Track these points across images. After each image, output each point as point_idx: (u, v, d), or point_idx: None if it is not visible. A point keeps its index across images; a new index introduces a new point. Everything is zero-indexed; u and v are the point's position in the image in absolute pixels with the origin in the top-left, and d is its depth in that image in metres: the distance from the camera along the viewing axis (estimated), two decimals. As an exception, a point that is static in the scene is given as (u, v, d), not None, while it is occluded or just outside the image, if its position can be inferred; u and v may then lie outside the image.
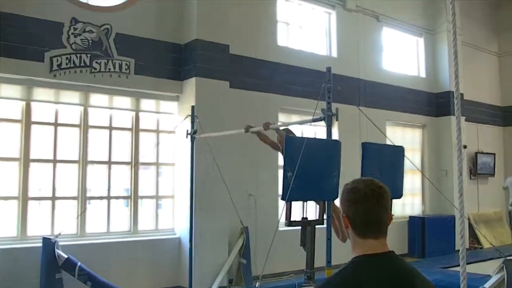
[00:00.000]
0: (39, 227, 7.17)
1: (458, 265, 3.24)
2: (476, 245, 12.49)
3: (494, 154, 14.12)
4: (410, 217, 11.82)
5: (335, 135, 9.31)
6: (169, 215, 8.42)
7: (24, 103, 7.17)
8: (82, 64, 7.40)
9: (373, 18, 11.55)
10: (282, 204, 4.64)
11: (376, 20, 11.61)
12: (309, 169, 4.16)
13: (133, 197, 8.07)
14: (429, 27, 12.84)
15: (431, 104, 12.71)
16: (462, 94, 11.82)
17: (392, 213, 5.34)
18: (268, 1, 9.65)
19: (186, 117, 7.39)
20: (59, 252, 6.53)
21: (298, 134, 6.14)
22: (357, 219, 1.84)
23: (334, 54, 10.74)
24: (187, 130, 7.30)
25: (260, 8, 9.44)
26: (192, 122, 7.25)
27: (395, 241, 10.65)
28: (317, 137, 8.77)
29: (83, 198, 7.55)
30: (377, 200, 1.83)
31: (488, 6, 14.93)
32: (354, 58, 10.92)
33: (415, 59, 12.86)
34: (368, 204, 1.82)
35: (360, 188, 1.85)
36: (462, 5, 12.55)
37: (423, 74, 12.79)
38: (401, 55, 12.50)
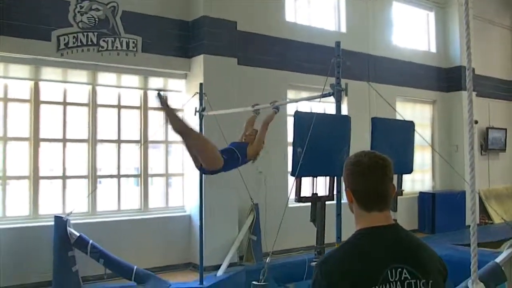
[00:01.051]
0: (50, 206, 7.24)
1: (469, 244, 3.22)
2: (487, 221, 12.46)
3: (505, 129, 13.98)
4: (420, 192, 11.79)
5: (344, 111, 9.28)
6: (179, 193, 8.46)
7: (32, 82, 7.18)
8: (89, 42, 7.37)
9: (383, -8, 11.36)
10: (292, 180, 4.62)
11: (386, -6, 11.42)
12: (319, 145, 4.14)
13: (143, 176, 8.10)
14: (439, 1, 12.61)
15: (442, 79, 12.56)
16: (473, 69, 11.65)
17: (402, 188, 5.32)
18: (276, -24, 9.50)
19: (194, 94, 7.36)
20: (71, 230, 6.59)
21: (306, 110, 6.06)
22: (362, 192, 1.83)
23: (343, 29, 10.60)
24: (196, 108, 7.27)
25: (267, -16, 9.31)
26: (201, 100, 7.21)
27: (405, 216, 10.64)
28: (326, 113, 8.72)
29: (93, 177, 7.59)
30: (381, 172, 1.81)
31: (500, -22, 14.63)
32: (363, 33, 10.77)
33: (425, 34, 12.67)
34: (373, 177, 1.80)
35: (364, 161, 1.82)
36: (473, -22, 12.31)
37: (433, 49, 12.62)
38: (411, 30, 12.32)
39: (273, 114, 5.81)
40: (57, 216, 6.68)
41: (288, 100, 8.59)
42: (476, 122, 11.88)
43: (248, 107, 6.20)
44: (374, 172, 1.81)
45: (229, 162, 5.22)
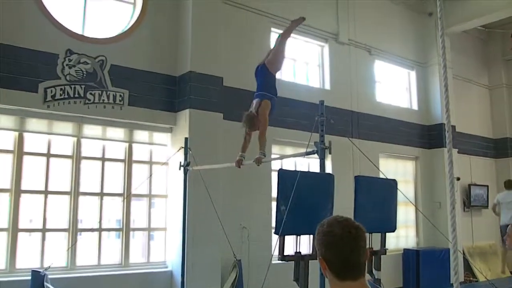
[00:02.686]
0: (28, 259, 7.06)
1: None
2: (472, 278, 12.37)
3: (487, 186, 14.15)
4: (405, 249, 11.74)
5: (328, 167, 9.34)
6: (161, 248, 8.32)
7: (16, 133, 7.15)
8: (76, 95, 7.42)
9: (365, 51, 11.70)
10: (275, 237, 4.60)
11: (368, 53, 11.76)
12: (303, 203, 4.15)
13: (125, 229, 7.97)
14: (420, 60, 13.01)
15: (424, 136, 12.79)
16: (454, 126, 11.90)
17: (386, 247, 5.30)
18: (262, 34, 9.75)
19: (180, 149, 7.39)
20: (48, 285, 6.40)
21: (291, 167, 6.13)
22: (335, 262, 1.82)
23: (327, 86, 10.83)
24: (180, 162, 7.29)
25: (253, 41, 9.54)
26: (185, 154, 7.24)
27: (389, 274, 10.53)
28: (310, 168, 8.78)
29: (74, 230, 7.46)
30: (354, 242, 1.82)
31: (478, 40, 15.20)
32: (347, 90, 11.01)
33: (407, 92, 12.99)
34: (346, 247, 1.80)
35: (336, 232, 1.83)
36: (452, 39, 12.79)
37: (415, 107, 12.90)
38: (394, 87, 12.64)
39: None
40: (34, 270, 6.50)
41: (273, 156, 8.64)
42: (458, 178, 12.02)
43: (233, 163, 6.21)
44: (347, 243, 1.80)
45: None
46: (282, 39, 6.26)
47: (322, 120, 4.69)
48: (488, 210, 13.99)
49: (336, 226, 1.84)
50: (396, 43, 12.49)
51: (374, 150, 10.57)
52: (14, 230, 6.94)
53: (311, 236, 4.51)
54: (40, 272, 6.47)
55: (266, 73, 5.92)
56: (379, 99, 11.91)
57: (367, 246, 1.90)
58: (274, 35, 10.05)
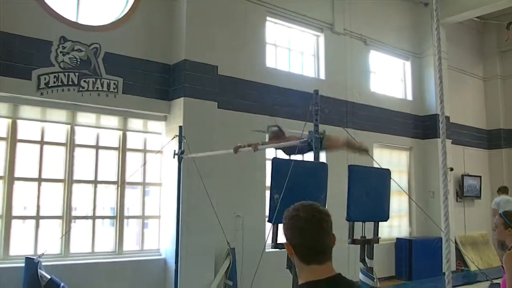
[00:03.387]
0: (22, 246, 7.06)
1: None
2: (463, 268, 12.50)
3: (480, 176, 14.25)
4: (397, 239, 11.82)
5: (322, 157, 9.36)
6: (155, 236, 8.34)
7: (10, 120, 7.12)
8: (70, 82, 7.38)
9: (361, 41, 11.69)
10: (269, 225, 4.62)
11: (364, 44, 11.76)
12: (296, 192, 4.16)
13: (119, 217, 7.98)
14: (415, 51, 13.03)
15: (418, 126, 12.83)
16: (448, 117, 11.95)
17: (379, 236, 5.33)
18: (257, 23, 9.73)
19: (174, 137, 7.39)
20: (42, 272, 6.42)
21: (285, 156, 6.14)
22: (299, 246, 1.83)
23: (322, 76, 10.83)
24: (174, 150, 7.28)
25: (249, 30, 9.52)
26: (180, 142, 7.24)
27: (382, 263, 10.63)
28: (304, 158, 8.79)
29: (68, 218, 7.46)
30: (318, 225, 1.82)
31: (473, 31, 15.22)
32: (342, 80, 11.02)
33: (401, 82, 13.01)
34: (310, 231, 1.81)
35: (300, 215, 1.84)
36: (448, 30, 12.80)
37: (410, 97, 12.93)
38: (388, 78, 12.65)
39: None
40: (28, 257, 6.51)
41: (267, 148, 8.64)
42: (452, 169, 12.10)
43: (230, 150, 6.20)
44: (311, 226, 1.81)
45: None
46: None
47: (316, 109, 4.69)
48: (481, 201, 14.13)
49: (301, 210, 1.85)
50: (391, 34, 12.49)
51: (369, 140, 10.57)
52: (7, 217, 6.94)
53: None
54: (34, 259, 6.49)
55: None
56: (374, 89, 11.93)
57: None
58: (269, 24, 10.04)
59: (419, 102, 12.95)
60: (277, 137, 6.03)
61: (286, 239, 1.87)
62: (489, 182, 14.75)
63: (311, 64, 10.89)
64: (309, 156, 5.40)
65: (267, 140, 6.28)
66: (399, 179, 11.21)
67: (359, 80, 11.49)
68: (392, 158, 12.27)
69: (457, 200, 13.53)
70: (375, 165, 6.46)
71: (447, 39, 12.60)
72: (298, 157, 5.70)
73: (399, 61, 12.94)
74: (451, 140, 12.46)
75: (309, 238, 1.81)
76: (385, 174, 5.35)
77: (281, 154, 6.05)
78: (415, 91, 12.98)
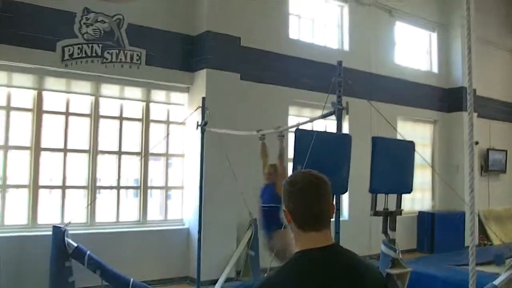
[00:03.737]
0: (49, 215, 7.24)
1: (467, 264, 3.22)
2: (486, 242, 12.41)
3: (506, 151, 14.00)
4: (420, 212, 11.77)
5: (345, 129, 9.29)
6: (178, 206, 8.46)
7: (35, 92, 7.22)
8: (94, 54, 7.42)
9: (386, 12, 11.45)
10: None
11: (389, 15, 11.52)
12: (319, 163, 4.13)
13: (143, 188, 8.10)
14: (442, 22, 12.71)
15: (443, 99, 12.61)
16: (474, 90, 11.70)
17: (402, 208, 5.30)
18: (280, -7, 9.60)
19: (197, 108, 7.39)
20: (69, 240, 6.56)
21: (308, 127, 6.15)
22: (296, 211, 1.81)
23: (346, 47, 10.68)
24: (197, 122, 7.30)
25: (271, 1, 9.40)
26: (203, 114, 7.24)
27: (404, 236, 10.59)
28: (327, 130, 8.73)
29: (93, 188, 7.60)
30: (315, 191, 1.80)
31: (502, 2, 14.75)
32: (366, 52, 10.85)
33: (427, 54, 12.75)
34: (307, 196, 1.79)
35: (298, 180, 1.82)
36: (476, 0, 12.41)
37: (435, 69, 12.68)
38: (414, 49, 12.40)
39: (281, 143, 5.96)
40: (55, 226, 6.66)
41: (289, 116, 8.63)
42: (477, 143, 11.90)
43: (253, 132, 6.20)
44: (308, 192, 1.79)
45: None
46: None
47: (339, 81, 4.63)
48: (506, 175, 13.91)
49: (299, 176, 1.84)
50: (417, 4, 12.19)
51: (392, 113, 10.45)
52: (35, 187, 7.10)
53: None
54: (61, 227, 6.62)
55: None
56: (398, 61, 11.72)
57: (332, 200, 1.88)
58: (293, -6, 9.88)
59: (445, 75, 12.70)
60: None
61: (285, 206, 1.85)
62: (516, 156, 14.50)
63: (334, 36, 10.73)
64: (332, 128, 5.37)
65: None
66: (423, 153, 11.06)
67: (383, 52, 11.29)
68: (416, 131, 12.10)
69: (481, 174, 13.34)
70: (399, 138, 6.39)
71: (475, 9, 12.23)
72: (320, 128, 5.70)
73: (425, 33, 12.65)
74: (477, 113, 12.21)
75: (306, 204, 1.79)
76: (409, 147, 5.29)
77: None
78: (441, 63, 12.71)
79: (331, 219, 1.92)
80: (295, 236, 1.84)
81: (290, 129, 7.35)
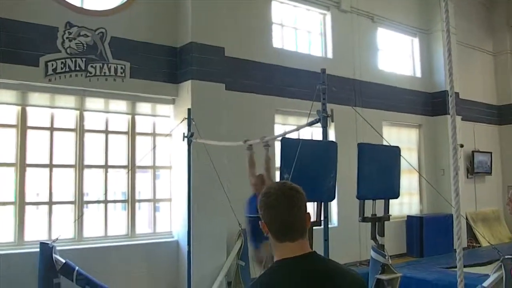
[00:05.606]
0: (36, 232, 7.15)
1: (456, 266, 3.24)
2: (475, 244, 12.50)
3: (490, 152, 14.15)
4: (408, 216, 11.83)
5: (331, 136, 9.35)
6: (167, 219, 8.41)
7: (19, 108, 7.16)
8: (77, 68, 7.39)
9: (368, 19, 11.57)
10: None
11: (371, 21, 11.64)
12: (306, 171, 4.16)
13: (130, 201, 8.05)
14: (423, 27, 12.87)
15: (427, 103, 12.74)
16: (457, 93, 11.84)
17: (390, 213, 5.33)
18: (263, 3, 9.66)
19: (183, 120, 7.40)
20: (56, 257, 6.50)
21: (294, 136, 6.15)
22: (272, 223, 1.84)
23: (330, 55, 10.76)
24: (184, 133, 7.30)
25: (254, 10, 9.46)
26: (189, 125, 7.25)
27: (393, 241, 10.64)
28: (313, 138, 8.78)
29: (80, 203, 7.53)
30: (288, 202, 1.82)
31: (482, 6, 14.99)
32: (349, 58, 10.94)
33: (410, 59, 12.89)
34: (280, 208, 1.82)
35: (272, 192, 1.85)
36: (456, 5, 12.59)
37: (418, 74, 12.82)
38: (397, 55, 12.53)
39: (267, 153, 5.95)
40: (43, 242, 6.60)
41: (275, 125, 8.65)
42: (462, 145, 12.02)
43: (239, 142, 6.21)
44: (281, 203, 1.82)
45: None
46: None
47: (323, 88, 4.67)
48: (492, 177, 14.05)
49: (274, 187, 1.87)
50: (399, 10, 12.34)
51: (377, 119, 10.54)
52: (21, 203, 7.02)
53: (315, 203, 4.55)
54: (48, 244, 6.56)
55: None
56: (382, 67, 11.83)
57: (307, 210, 1.90)
58: (275, 3, 9.95)
59: (428, 79, 12.84)
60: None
61: (261, 217, 1.88)
62: (500, 158, 14.66)
63: (318, 43, 10.81)
64: (318, 135, 5.39)
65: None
66: (409, 157, 11.16)
67: (367, 58, 11.39)
68: (401, 136, 12.21)
69: (467, 177, 13.46)
70: (384, 143, 6.44)
71: (455, 14, 12.40)
72: (307, 135, 5.71)
73: (407, 38, 12.80)
74: (461, 117, 12.34)
75: (280, 215, 1.82)
76: (394, 152, 5.34)
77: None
78: (424, 67, 12.86)
79: (313, 227, 1.94)
80: (272, 246, 1.88)
81: (277, 139, 7.38)
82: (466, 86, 13.04)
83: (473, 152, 13.58)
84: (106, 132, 7.94)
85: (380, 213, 5.17)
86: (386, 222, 5.28)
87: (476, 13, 14.70)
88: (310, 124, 4.77)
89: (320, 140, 4.86)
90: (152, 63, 8.15)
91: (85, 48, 7.48)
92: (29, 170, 7.17)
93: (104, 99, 7.90)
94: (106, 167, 7.88)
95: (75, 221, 7.36)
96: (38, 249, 6.53)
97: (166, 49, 8.32)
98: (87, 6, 7.74)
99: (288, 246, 1.82)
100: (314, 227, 4.82)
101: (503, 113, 14.88)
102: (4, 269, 6.50)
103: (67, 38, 7.32)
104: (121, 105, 8.10)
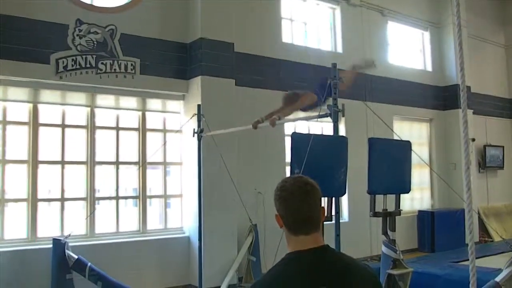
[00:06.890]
0: (48, 228, 7.22)
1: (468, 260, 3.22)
2: (487, 238, 12.41)
3: (502, 146, 14.03)
4: (419, 211, 11.78)
5: (342, 131, 9.30)
6: (178, 214, 8.45)
7: (31, 105, 7.21)
8: (88, 65, 7.42)
9: (378, 13, 11.50)
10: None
11: (381, 15, 11.56)
12: (316, 166, 4.15)
13: (142, 197, 8.09)
14: (434, 21, 12.76)
15: (438, 97, 12.65)
16: (469, 87, 11.75)
17: (401, 208, 5.31)
18: (272, -2, 9.63)
19: (193, 116, 7.41)
20: (69, 253, 6.56)
21: (305, 130, 6.12)
22: (287, 216, 1.86)
23: (340, 49, 10.71)
24: (194, 129, 7.31)
25: (264, 5, 9.43)
26: (199, 121, 7.26)
27: (404, 236, 10.60)
28: (324, 133, 8.76)
29: (92, 199, 7.58)
30: (304, 196, 1.84)
31: (493, -1, 14.83)
32: (359, 53, 10.85)
33: (421, 53, 12.79)
34: (295, 201, 1.84)
35: (288, 186, 1.87)
36: (467, -2, 12.48)
37: (429, 68, 12.72)
38: (407, 49, 12.45)
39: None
40: (55, 238, 6.65)
41: (286, 124, 8.61)
42: (473, 140, 11.94)
43: (248, 126, 6.19)
44: (297, 197, 1.84)
45: None
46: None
47: (335, 83, 4.65)
48: (504, 171, 13.94)
49: (289, 181, 1.90)
50: (409, 3, 12.25)
51: (388, 113, 10.48)
52: (33, 200, 7.08)
53: (326, 198, 4.54)
54: (61, 240, 6.62)
55: None
56: (392, 61, 11.75)
57: (322, 204, 1.92)
58: (285, -1, 9.92)
59: (439, 73, 12.74)
60: (291, 101, 5.94)
61: (276, 210, 1.90)
62: (513, 151, 14.54)
63: (327, 38, 10.76)
64: (328, 130, 5.37)
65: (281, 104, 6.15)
66: (420, 152, 11.09)
67: (377, 52, 11.32)
68: (412, 130, 12.14)
69: (479, 171, 13.36)
70: (395, 138, 6.40)
71: (466, 7, 12.29)
72: (317, 130, 5.68)
73: (417, 32, 12.70)
74: (472, 110, 12.24)
75: (295, 209, 1.84)
76: (405, 146, 5.31)
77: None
78: (435, 61, 12.76)
79: (324, 222, 1.95)
80: (286, 239, 1.89)
81: (287, 132, 7.36)
82: (478, 79, 12.92)
83: (484, 146, 13.47)
84: (117, 128, 7.98)
85: (391, 208, 5.14)
86: (397, 217, 5.25)
87: (487, 6, 14.54)
88: (320, 117, 4.76)
89: (330, 135, 4.85)
90: (162, 60, 8.17)
91: (95, 45, 7.51)
92: (41, 167, 7.23)
93: (115, 96, 7.95)
94: (117, 163, 7.92)
95: (87, 217, 7.42)
96: (50, 245, 6.59)
97: (176, 45, 8.33)
98: (97, 3, 7.77)
99: (303, 239, 1.83)
100: (325, 222, 4.82)
101: (515, 106, 14.74)
102: (18, 265, 6.58)
103: (77, 35, 7.36)
104: (131, 101, 8.13)
